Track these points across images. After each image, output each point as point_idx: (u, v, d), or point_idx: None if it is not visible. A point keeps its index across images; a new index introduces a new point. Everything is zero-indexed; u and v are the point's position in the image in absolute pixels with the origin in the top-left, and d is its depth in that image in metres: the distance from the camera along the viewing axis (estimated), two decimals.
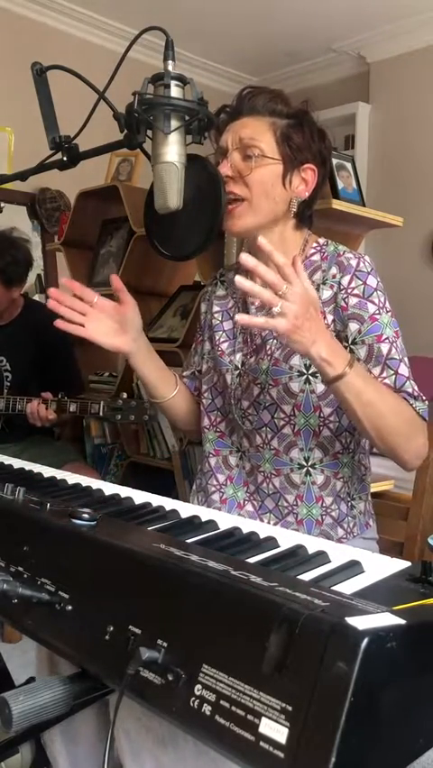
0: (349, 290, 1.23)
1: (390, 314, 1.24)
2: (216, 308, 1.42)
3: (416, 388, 1.22)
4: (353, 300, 1.22)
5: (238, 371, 1.34)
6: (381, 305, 1.23)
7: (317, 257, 1.29)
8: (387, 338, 1.21)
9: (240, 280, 1.04)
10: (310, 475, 1.27)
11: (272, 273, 1.04)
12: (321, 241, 1.32)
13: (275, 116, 1.25)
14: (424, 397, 1.23)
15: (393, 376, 1.20)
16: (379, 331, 1.21)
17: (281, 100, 1.27)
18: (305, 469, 1.27)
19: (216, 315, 1.42)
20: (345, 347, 1.21)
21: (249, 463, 1.33)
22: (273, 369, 1.28)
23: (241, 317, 1.06)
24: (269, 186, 1.24)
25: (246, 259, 1.04)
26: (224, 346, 1.38)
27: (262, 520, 1.30)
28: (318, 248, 1.31)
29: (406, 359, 1.23)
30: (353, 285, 1.23)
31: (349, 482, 1.30)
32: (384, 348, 1.21)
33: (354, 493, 1.31)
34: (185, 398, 1.47)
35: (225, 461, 1.37)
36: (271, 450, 1.29)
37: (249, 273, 1.22)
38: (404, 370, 1.21)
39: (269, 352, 1.29)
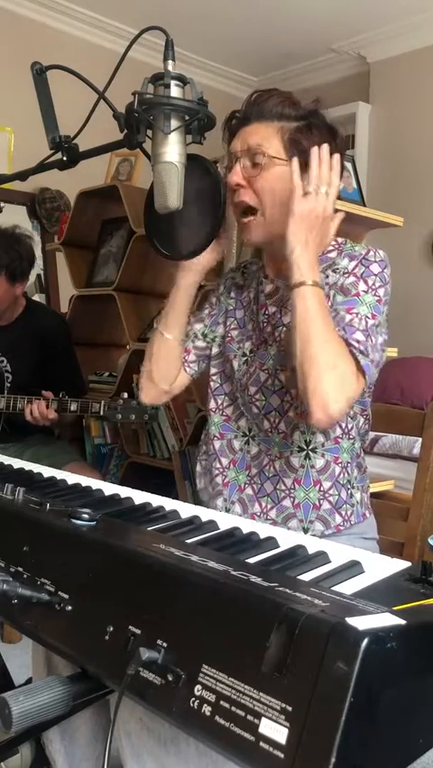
0: (351, 273, 1.24)
1: (377, 299, 1.21)
2: (233, 295, 1.45)
3: (364, 348, 1.16)
4: (350, 279, 1.23)
5: (245, 358, 1.36)
6: (372, 287, 1.22)
7: (334, 254, 1.31)
8: (357, 313, 1.18)
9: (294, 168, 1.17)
10: (310, 459, 1.28)
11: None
12: (340, 240, 1.33)
13: (283, 120, 1.25)
14: (372, 359, 1.16)
15: (343, 334, 1.16)
16: (353, 305, 1.19)
17: (290, 103, 1.26)
18: (305, 452, 1.28)
19: (230, 302, 1.44)
20: None
21: (257, 447, 1.34)
22: (281, 354, 1.29)
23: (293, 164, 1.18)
24: (278, 192, 1.23)
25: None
26: (234, 333, 1.41)
27: (260, 504, 1.31)
28: (337, 246, 1.32)
29: (371, 335, 1.17)
30: (356, 270, 1.24)
31: (348, 468, 1.30)
32: (348, 317, 1.18)
33: (354, 482, 1.32)
34: (178, 351, 1.44)
35: (230, 444, 1.39)
36: (280, 433, 1.30)
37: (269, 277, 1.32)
38: (359, 335, 1.16)
39: (277, 339, 1.31)
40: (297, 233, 1.15)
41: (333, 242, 1.33)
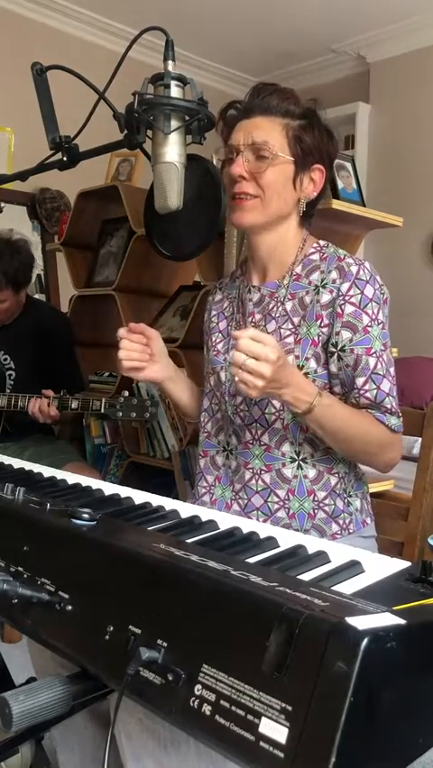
0: (347, 298, 1.24)
1: (381, 326, 1.26)
2: (213, 312, 1.47)
3: (395, 404, 1.26)
4: (349, 308, 1.24)
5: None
6: (373, 316, 1.24)
7: (316, 257, 1.31)
8: (375, 352, 1.24)
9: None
10: (302, 469, 1.28)
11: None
12: (321, 242, 1.33)
13: (288, 117, 1.26)
14: (400, 414, 1.27)
15: (375, 390, 1.24)
16: (369, 344, 1.23)
17: (294, 100, 1.27)
18: (296, 462, 1.28)
19: (212, 319, 1.46)
20: (333, 352, 1.25)
21: (235, 461, 1.34)
22: None
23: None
24: (280, 187, 1.25)
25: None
26: (219, 346, 1.41)
27: (250, 518, 1.30)
28: (318, 248, 1.32)
29: (391, 370, 1.27)
30: (351, 293, 1.24)
31: (345, 479, 1.30)
32: (372, 362, 1.23)
33: (351, 490, 1.32)
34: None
35: (213, 461, 1.38)
36: (262, 446, 1.29)
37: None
38: (386, 385, 1.24)
39: None
40: (269, 394, 1.15)
41: (314, 244, 1.33)
